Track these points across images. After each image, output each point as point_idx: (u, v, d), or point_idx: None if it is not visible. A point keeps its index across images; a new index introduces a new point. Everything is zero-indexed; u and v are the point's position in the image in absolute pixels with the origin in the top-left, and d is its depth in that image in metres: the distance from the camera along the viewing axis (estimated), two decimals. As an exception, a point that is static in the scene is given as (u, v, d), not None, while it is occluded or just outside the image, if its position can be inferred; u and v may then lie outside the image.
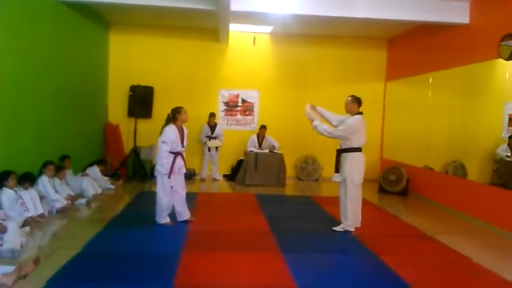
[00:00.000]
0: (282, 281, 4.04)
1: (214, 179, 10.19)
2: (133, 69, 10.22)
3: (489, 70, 6.99)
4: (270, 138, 10.10)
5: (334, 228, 5.89)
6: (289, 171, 10.28)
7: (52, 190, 6.32)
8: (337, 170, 5.94)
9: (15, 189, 5.49)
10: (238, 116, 10.79)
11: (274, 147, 9.94)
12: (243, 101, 10.78)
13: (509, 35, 6.25)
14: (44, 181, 6.27)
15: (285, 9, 7.60)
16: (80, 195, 7.18)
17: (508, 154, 6.47)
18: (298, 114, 10.61)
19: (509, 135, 6.46)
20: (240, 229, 5.87)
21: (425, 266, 4.65)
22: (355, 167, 5.78)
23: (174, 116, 5.74)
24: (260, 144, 10.03)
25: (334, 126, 6.00)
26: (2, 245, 4.35)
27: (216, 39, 10.24)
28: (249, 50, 10.62)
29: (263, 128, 10.16)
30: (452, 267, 4.68)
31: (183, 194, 5.94)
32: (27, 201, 5.53)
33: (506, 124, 6.51)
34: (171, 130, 5.66)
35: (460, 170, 7.65)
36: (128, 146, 10.07)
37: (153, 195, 5.88)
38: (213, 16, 8.13)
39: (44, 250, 4.72)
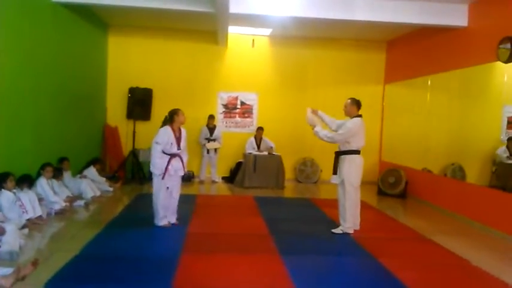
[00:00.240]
0: (281, 284, 4.03)
1: (213, 181, 10.18)
2: (132, 71, 10.22)
3: (488, 73, 7.00)
4: (266, 139, 10.11)
5: (333, 230, 5.89)
6: (288, 174, 10.28)
7: (50, 192, 6.31)
8: (335, 172, 5.95)
9: (14, 191, 5.47)
10: (237, 118, 10.80)
11: (271, 148, 9.94)
12: (242, 103, 10.78)
13: (508, 37, 6.26)
14: (42, 183, 6.26)
15: (284, 12, 7.61)
16: (79, 196, 7.17)
17: (507, 155, 6.47)
18: (297, 117, 10.67)
19: (508, 137, 6.46)
20: (239, 231, 5.86)
21: (424, 268, 4.65)
22: (353, 169, 5.79)
23: (172, 117, 5.74)
24: (258, 146, 10.04)
25: (333, 130, 6.00)
26: (0, 247, 4.33)
27: (215, 42, 10.25)
28: (248, 53, 10.63)
29: (260, 129, 10.18)
30: (452, 270, 4.68)
31: (177, 196, 5.94)
32: (26, 203, 5.52)
33: (505, 127, 6.52)
34: (165, 131, 5.66)
35: (458, 172, 7.66)
36: (126, 148, 10.06)
37: (151, 197, 5.86)
38: (212, 18, 8.14)
39: (42, 252, 4.72)
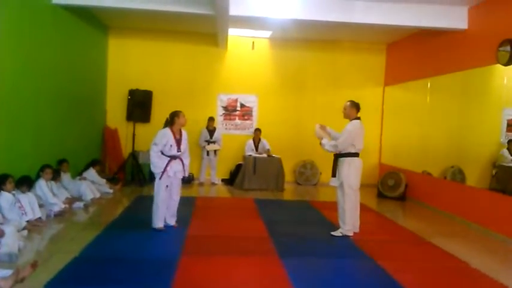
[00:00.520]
0: (280, 286, 4.03)
1: (213, 184, 10.18)
2: (132, 74, 10.23)
3: (487, 75, 7.01)
4: (264, 141, 10.12)
5: (332, 233, 5.89)
6: (288, 176, 10.27)
7: (50, 194, 6.31)
8: (334, 175, 5.95)
9: (13, 192, 5.47)
10: (237, 121, 10.80)
11: (268, 150, 9.94)
12: (242, 105, 10.79)
13: (507, 40, 6.27)
14: (42, 185, 6.26)
15: (283, 14, 7.62)
16: (78, 198, 7.16)
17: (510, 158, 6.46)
18: (297, 119, 10.71)
19: (508, 139, 6.46)
20: (239, 233, 5.85)
21: (423, 271, 4.65)
22: (352, 172, 5.79)
23: (172, 119, 5.73)
24: (257, 148, 10.04)
25: None
26: (-1, 248, 4.34)
27: (215, 44, 10.26)
28: (247, 55, 10.65)
29: (257, 131, 10.19)
30: (451, 273, 4.68)
31: (177, 198, 5.93)
32: (25, 205, 5.52)
33: (505, 129, 6.52)
34: (163, 133, 5.65)
35: (458, 175, 7.66)
36: (126, 150, 10.06)
37: (151, 199, 5.86)
38: (212, 21, 8.15)
39: (41, 254, 4.71)
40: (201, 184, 10.05)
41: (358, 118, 5.87)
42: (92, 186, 7.62)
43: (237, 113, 10.79)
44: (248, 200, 8.31)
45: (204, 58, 10.56)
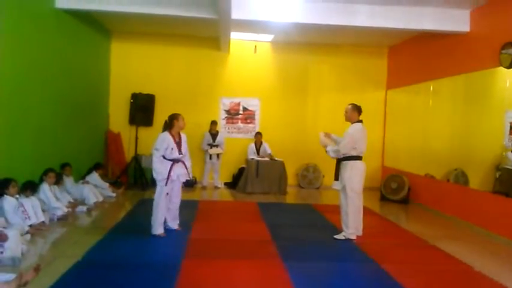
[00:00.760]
0: (283, 290, 4.03)
1: (216, 187, 10.18)
2: (135, 77, 10.26)
3: (490, 78, 7.00)
4: (265, 145, 10.12)
5: (335, 236, 5.88)
6: (291, 179, 10.27)
7: (53, 198, 6.32)
8: (336, 178, 5.95)
9: (16, 196, 5.48)
10: (240, 124, 10.81)
11: (269, 154, 9.94)
12: (244, 109, 10.80)
13: (510, 43, 6.27)
14: (45, 189, 6.27)
15: (286, 18, 7.64)
16: (81, 202, 7.17)
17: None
18: (300, 122, 10.72)
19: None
20: (241, 237, 5.85)
21: (427, 274, 4.63)
22: (355, 175, 5.78)
23: (171, 122, 5.71)
24: (258, 151, 10.04)
25: None
26: (2, 252, 4.33)
27: (217, 48, 10.28)
28: (250, 58, 10.66)
29: (258, 134, 10.20)
30: (454, 276, 4.66)
31: (177, 201, 5.91)
32: (28, 209, 5.53)
33: (508, 132, 6.50)
34: (163, 137, 5.63)
35: (461, 178, 7.64)
36: (129, 154, 10.08)
37: (153, 203, 5.84)
38: (214, 24, 8.17)
39: (44, 258, 4.71)
40: (203, 188, 10.05)
41: (360, 121, 5.87)
42: (94, 190, 7.63)
43: (240, 116, 10.80)
44: (251, 203, 8.30)
45: (206, 62, 10.58)
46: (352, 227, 5.81)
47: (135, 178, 9.62)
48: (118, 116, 10.25)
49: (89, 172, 8.15)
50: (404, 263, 5.05)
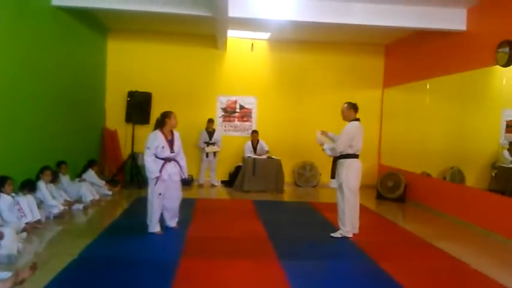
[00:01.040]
0: None
1: (212, 185, 10.17)
2: (131, 75, 10.23)
3: (486, 77, 7.02)
4: (262, 142, 10.10)
5: (332, 234, 5.88)
6: (287, 178, 10.27)
7: (49, 196, 6.30)
8: (333, 176, 5.96)
9: (12, 194, 5.46)
10: (236, 122, 10.80)
11: (267, 151, 9.94)
12: (241, 107, 10.79)
13: (506, 41, 6.28)
14: (41, 187, 6.25)
15: (282, 16, 7.63)
16: (78, 200, 7.15)
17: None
18: (296, 121, 10.71)
19: (510, 141, 6.45)
20: (238, 235, 5.85)
21: (423, 272, 4.65)
22: (351, 174, 5.79)
23: (163, 120, 5.66)
24: (255, 149, 10.03)
25: None
26: (-2, 250, 4.33)
27: (214, 46, 10.26)
28: (247, 56, 10.65)
29: (255, 132, 10.19)
30: (451, 274, 4.68)
31: (176, 200, 5.87)
32: (24, 207, 5.51)
33: (504, 130, 6.53)
34: (154, 136, 5.59)
35: (457, 176, 7.66)
36: (125, 152, 10.06)
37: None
38: (211, 22, 8.15)
39: (40, 256, 4.70)
40: (200, 186, 10.04)
41: (357, 119, 5.87)
42: (91, 188, 7.61)
43: (236, 114, 10.79)
44: (247, 201, 8.30)
45: (203, 60, 10.57)
46: (348, 225, 5.82)
47: (132, 176, 9.60)
48: (114, 114, 10.22)
49: (85, 170, 8.12)
50: (401, 260, 5.06)
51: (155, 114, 9.70)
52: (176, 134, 5.81)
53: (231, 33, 9.63)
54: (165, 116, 5.68)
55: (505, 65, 6.31)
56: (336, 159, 5.93)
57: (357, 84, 10.80)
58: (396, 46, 10.32)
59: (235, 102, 10.77)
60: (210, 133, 10.06)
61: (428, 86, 8.65)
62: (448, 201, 7.67)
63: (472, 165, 7.35)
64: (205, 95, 10.61)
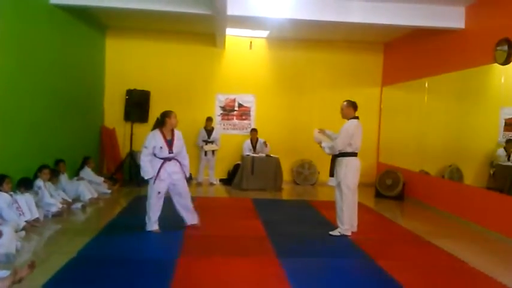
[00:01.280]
0: (278, 286, 4.03)
1: (211, 184, 10.17)
2: (130, 73, 10.22)
3: (485, 75, 7.02)
4: (261, 140, 10.10)
5: (330, 232, 5.89)
6: (286, 176, 10.28)
7: (47, 194, 6.29)
8: (332, 174, 5.96)
9: (11, 193, 5.46)
10: (235, 121, 10.80)
11: (265, 143, 9.93)
12: (240, 105, 10.79)
13: (505, 39, 6.27)
14: (40, 185, 6.24)
15: (281, 14, 7.62)
16: (76, 199, 7.15)
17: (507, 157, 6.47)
18: (295, 119, 10.71)
19: (506, 139, 6.47)
20: (237, 234, 5.85)
21: (421, 270, 4.65)
22: (350, 172, 5.78)
23: (163, 119, 5.62)
24: (254, 148, 10.03)
25: None
26: (-4, 249, 4.32)
27: (213, 44, 10.26)
28: (245, 55, 10.64)
29: (254, 131, 10.19)
30: (449, 272, 4.68)
31: (186, 199, 5.83)
32: (23, 206, 5.50)
33: (503, 128, 6.53)
34: (152, 135, 5.56)
35: (456, 174, 7.67)
36: (124, 150, 10.05)
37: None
38: (209, 20, 8.14)
39: (39, 254, 4.70)
40: (199, 184, 10.04)
41: (356, 117, 5.87)
42: (89, 186, 7.60)
43: (235, 113, 10.79)
44: (246, 200, 8.30)
45: (202, 58, 10.56)
46: (347, 223, 5.82)
47: (130, 175, 9.60)
48: (113, 112, 10.21)
49: (81, 168, 8.11)
50: (399, 258, 5.07)
51: (154, 112, 9.78)
52: (178, 133, 5.74)
53: (230, 32, 9.62)
54: (165, 115, 5.63)
55: (504, 63, 6.31)
56: (334, 158, 5.92)
57: (355, 82, 10.80)
58: (395, 44, 10.32)
59: (234, 100, 10.77)
60: (209, 131, 10.06)
61: (426, 84, 8.66)
62: (446, 199, 7.68)
63: (470, 163, 7.36)
64: (203, 93, 10.60)
